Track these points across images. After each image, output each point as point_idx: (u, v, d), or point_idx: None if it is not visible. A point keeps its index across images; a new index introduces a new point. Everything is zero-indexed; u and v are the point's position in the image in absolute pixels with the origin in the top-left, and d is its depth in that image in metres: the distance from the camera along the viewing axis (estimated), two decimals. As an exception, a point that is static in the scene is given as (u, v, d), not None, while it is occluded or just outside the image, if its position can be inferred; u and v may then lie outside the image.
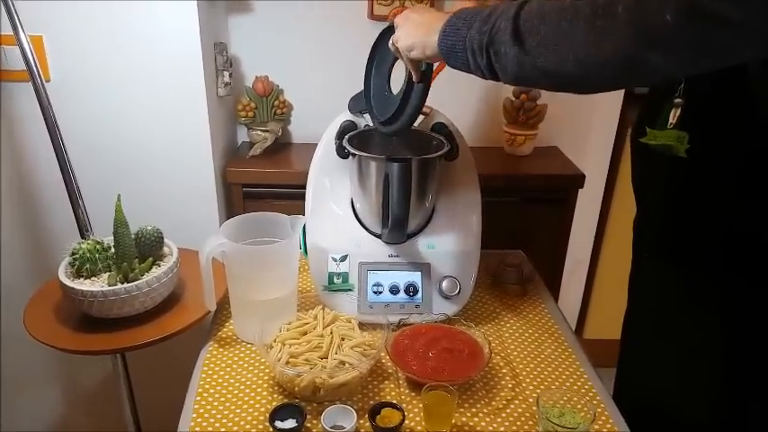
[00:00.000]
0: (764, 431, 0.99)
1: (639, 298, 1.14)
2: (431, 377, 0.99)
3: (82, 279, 1.16)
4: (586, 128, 1.41)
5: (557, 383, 1.06)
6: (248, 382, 1.04)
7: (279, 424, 0.91)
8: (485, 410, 0.99)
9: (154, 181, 1.53)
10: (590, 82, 0.72)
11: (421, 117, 1.26)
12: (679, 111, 0.94)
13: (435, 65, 1.01)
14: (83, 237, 1.32)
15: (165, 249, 1.26)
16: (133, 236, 1.20)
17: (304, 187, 1.25)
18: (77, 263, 1.15)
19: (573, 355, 1.14)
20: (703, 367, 1.00)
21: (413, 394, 1.02)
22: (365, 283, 1.18)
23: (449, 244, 1.20)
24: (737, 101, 0.86)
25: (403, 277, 1.18)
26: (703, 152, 0.90)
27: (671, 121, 0.95)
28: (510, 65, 0.73)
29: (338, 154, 1.19)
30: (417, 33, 0.89)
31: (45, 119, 1.26)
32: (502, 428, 0.96)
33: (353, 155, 1.14)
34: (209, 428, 0.95)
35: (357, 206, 1.22)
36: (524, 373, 1.09)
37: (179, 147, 1.50)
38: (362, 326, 1.11)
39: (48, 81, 1.39)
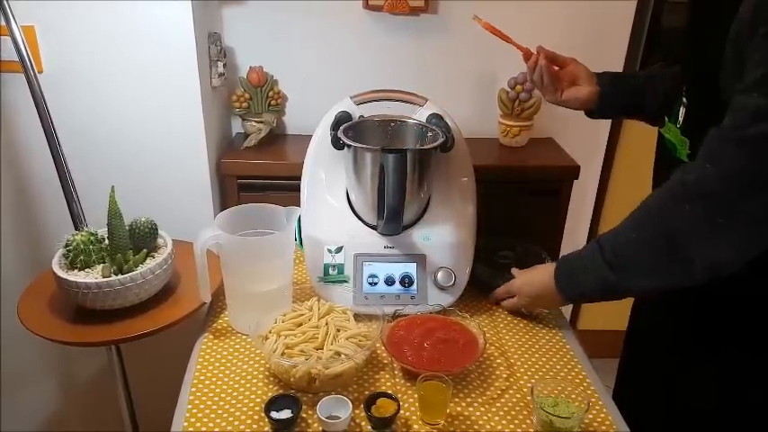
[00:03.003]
0: (764, 420, 0.99)
1: None
2: (426, 367, 0.99)
3: (76, 271, 1.15)
4: (582, 119, 1.41)
5: (551, 374, 1.07)
6: (243, 373, 1.04)
7: (274, 414, 0.91)
8: (479, 400, 1.00)
9: (148, 173, 1.52)
10: None
11: (416, 107, 1.26)
12: (683, 111, 0.93)
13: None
14: (77, 228, 1.32)
15: (160, 241, 1.25)
16: (127, 227, 1.20)
17: (299, 179, 1.25)
18: (71, 254, 1.15)
19: (567, 345, 1.14)
20: (714, 349, 1.00)
21: (408, 384, 1.02)
22: (361, 275, 1.18)
23: (444, 235, 1.20)
24: None
25: (398, 268, 1.18)
26: None
27: (679, 118, 0.94)
28: None
29: (333, 145, 1.18)
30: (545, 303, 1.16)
31: (38, 110, 1.26)
32: (496, 418, 0.96)
33: (349, 146, 1.14)
34: (205, 419, 0.95)
35: (352, 198, 1.22)
36: (519, 363, 1.09)
37: (173, 138, 1.49)
38: (358, 317, 1.11)
39: (40, 72, 1.37)
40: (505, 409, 0.98)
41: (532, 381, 1.04)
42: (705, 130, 0.84)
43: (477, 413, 0.97)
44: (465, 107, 1.79)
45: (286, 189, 1.57)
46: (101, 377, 1.75)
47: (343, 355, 1.00)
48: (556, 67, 1.19)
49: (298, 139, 1.75)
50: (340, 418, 0.90)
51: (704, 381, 1.01)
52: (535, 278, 1.11)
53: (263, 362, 1.07)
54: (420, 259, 1.19)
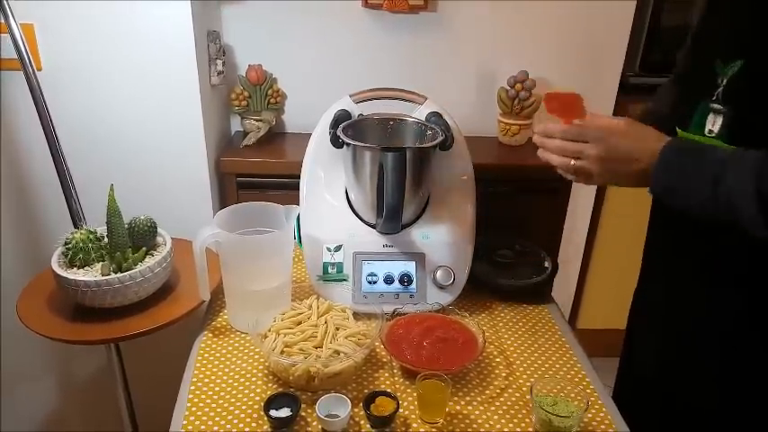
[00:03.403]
0: (764, 420, 0.98)
1: (651, 271, 1.12)
2: (425, 366, 0.99)
3: (75, 269, 1.15)
4: (581, 118, 1.43)
5: (550, 372, 1.07)
6: (243, 372, 1.04)
7: (273, 413, 0.91)
8: (479, 399, 1.00)
9: (147, 171, 1.52)
10: None
11: (416, 106, 1.26)
12: (720, 119, 0.89)
13: None
14: (76, 226, 1.31)
15: (159, 239, 1.25)
16: (126, 226, 1.20)
17: (298, 177, 1.25)
18: (71, 252, 1.15)
19: (566, 344, 1.14)
20: (713, 349, 0.99)
21: (407, 383, 1.02)
22: (360, 273, 1.18)
23: (443, 234, 1.20)
24: None
25: (397, 267, 1.18)
26: None
27: (709, 127, 0.89)
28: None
29: (332, 144, 1.18)
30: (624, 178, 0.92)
31: (37, 108, 1.25)
32: (495, 417, 0.96)
33: (348, 144, 1.14)
34: (204, 418, 0.95)
35: (351, 196, 1.22)
36: (518, 362, 1.09)
37: (172, 136, 1.49)
38: (357, 315, 1.12)
39: (39, 70, 1.37)
40: (504, 407, 0.98)
41: (532, 380, 1.04)
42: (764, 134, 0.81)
43: (477, 412, 0.97)
44: (464, 105, 1.79)
45: (285, 187, 1.57)
46: (100, 375, 1.75)
47: (342, 354, 1.00)
48: None
49: (297, 138, 1.75)
50: (339, 416, 0.90)
51: (704, 380, 1.01)
52: (645, 133, 0.89)
53: (262, 360, 1.07)
54: (419, 258, 1.19)
